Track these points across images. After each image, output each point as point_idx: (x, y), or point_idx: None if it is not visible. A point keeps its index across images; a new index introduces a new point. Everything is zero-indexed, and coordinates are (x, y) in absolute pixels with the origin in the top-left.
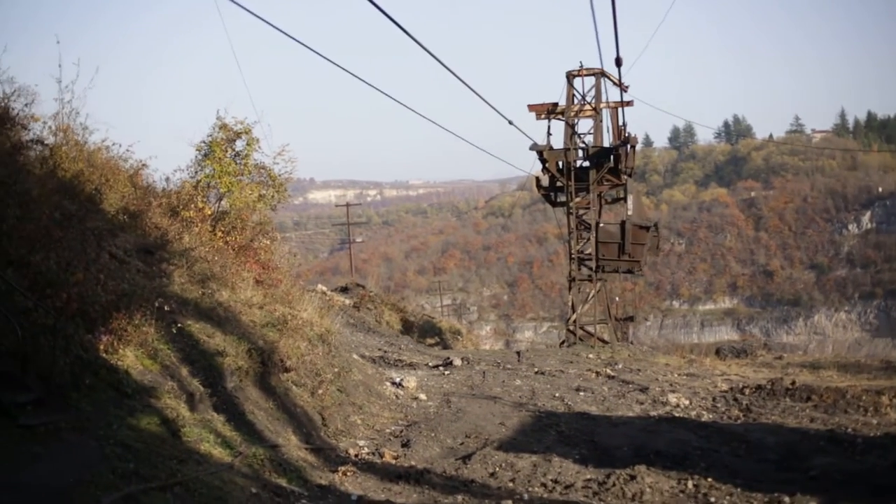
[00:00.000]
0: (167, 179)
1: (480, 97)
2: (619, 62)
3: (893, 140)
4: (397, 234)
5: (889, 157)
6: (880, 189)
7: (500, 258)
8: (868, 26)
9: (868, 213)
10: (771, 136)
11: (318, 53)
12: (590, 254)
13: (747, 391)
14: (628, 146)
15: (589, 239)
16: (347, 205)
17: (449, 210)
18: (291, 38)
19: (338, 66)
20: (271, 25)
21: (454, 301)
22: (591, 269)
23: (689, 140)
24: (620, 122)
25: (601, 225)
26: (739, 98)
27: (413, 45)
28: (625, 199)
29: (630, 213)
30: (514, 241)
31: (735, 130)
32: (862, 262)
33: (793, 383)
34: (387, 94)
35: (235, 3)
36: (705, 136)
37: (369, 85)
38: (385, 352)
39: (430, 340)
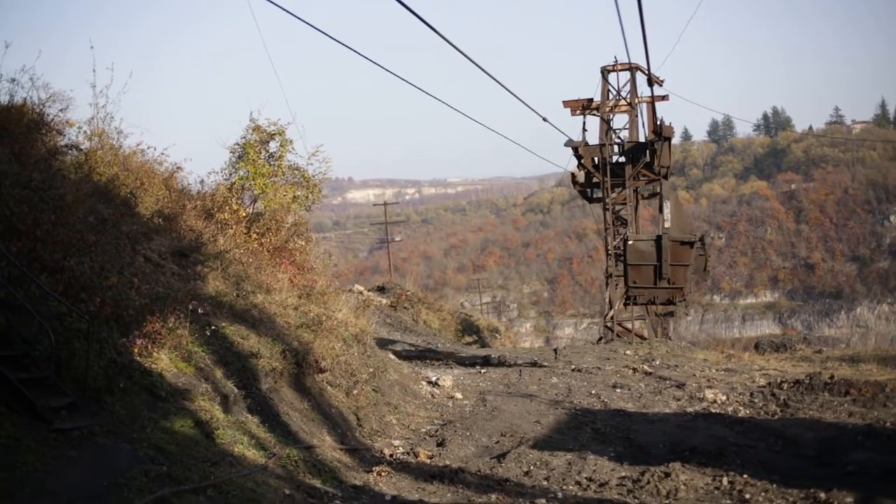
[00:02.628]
0: (202, 182)
1: (515, 95)
2: (650, 82)
3: None
4: (436, 232)
5: None
6: None
7: (539, 255)
8: None
9: None
10: (810, 127)
11: (356, 52)
12: None
13: (785, 386)
14: (662, 139)
15: (626, 235)
16: (385, 204)
17: (488, 207)
18: (326, 34)
19: (378, 64)
20: (305, 22)
21: (494, 298)
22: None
23: (728, 133)
24: (656, 118)
25: (630, 242)
26: (778, 90)
27: (446, 42)
28: (660, 206)
29: (667, 224)
30: (554, 237)
31: (774, 123)
32: None
33: (831, 377)
34: (428, 93)
35: (271, 1)
36: (744, 129)
37: (410, 84)
38: (422, 351)
39: (467, 339)
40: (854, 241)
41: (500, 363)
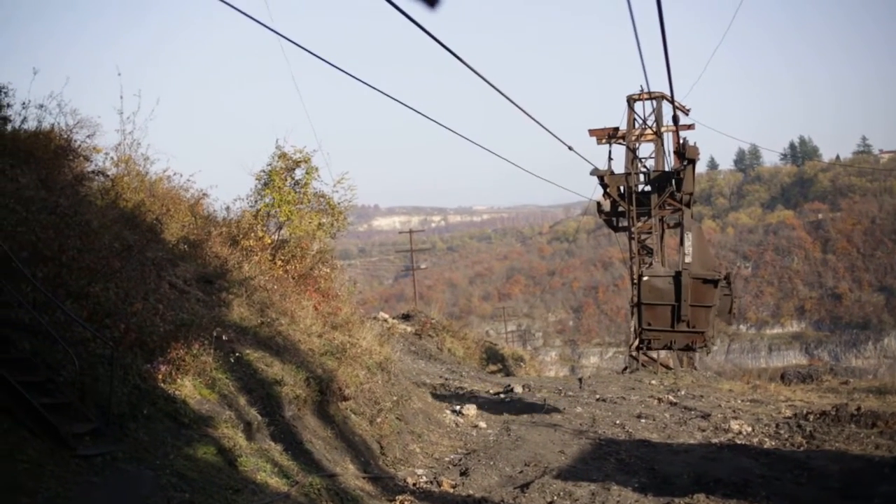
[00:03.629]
0: (227, 209)
1: (540, 124)
2: (675, 117)
3: None
4: (462, 259)
5: None
6: None
7: (565, 283)
8: None
9: None
10: (838, 157)
11: (380, 91)
12: None
13: (811, 417)
14: (685, 162)
15: (651, 264)
16: (411, 231)
17: (513, 235)
18: (353, 76)
19: (402, 103)
20: (332, 65)
21: (519, 327)
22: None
23: (755, 162)
24: (681, 144)
25: (644, 278)
26: (805, 119)
27: (473, 73)
28: (681, 238)
29: (688, 259)
30: (580, 265)
31: (801, 152)
32: None
33: (858, 409)
34: (450, 129)
35: (297, 45)
36: (771, 158)
37: (436, 122)
38: (446, 379)
39: (492, 367)
40: (881, 272)
41: (521, 407)
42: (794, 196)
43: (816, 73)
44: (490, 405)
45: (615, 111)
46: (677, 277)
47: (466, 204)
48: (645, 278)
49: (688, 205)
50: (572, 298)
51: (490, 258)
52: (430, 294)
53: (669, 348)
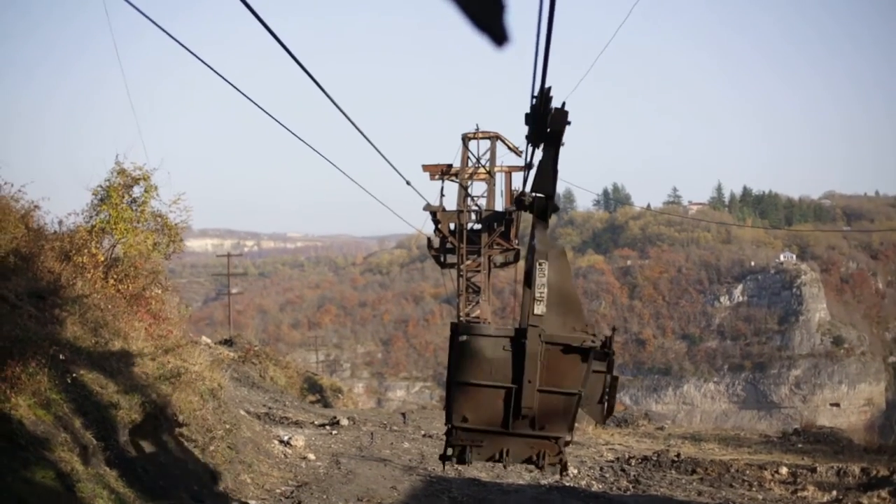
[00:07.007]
0: (60, 223)
1: (383, 156)
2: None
3: (767, 215)
4: (273, 286)
5: (762, 232)
6: (752, 263)
7: (375, 315)
8: (742, 104)
9: (740, 287)
10: (649, 205)
11: (210, 67)
12: (478, 317)
13: (633, 462)
14: (551, 137)
15: (478, 302)
16: (229, 255)
17: (326, 264)
18: (188, 49)
19: (238, 89)
20: (163, 30)
21: (328, 357)
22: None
23: (569, 206)
24: (514, 188)
25: (463, 338)
26: (619, 167)
27: (309, 92)
28: (528, 271)
29: (540, 308)
30: (391, 298)
31: (614, 198)
32: (732, 335)
33: (678, 455)
34: (290, 130)
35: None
36: (584, 202)
37: (272, 117)
38: (270, 408)
39: (311, 398)
40: (685, 320)
41: None
42: (605, 241)
43: (633, 121)
44: (317, 437)
45: (451, 148)
46: (519, 339)
47: (281, 230)
48: (463, 338)
49: (544, 216)
50: (382, 331)
51: (302, 286)
52: (240, 319)
53: (499, 461)
